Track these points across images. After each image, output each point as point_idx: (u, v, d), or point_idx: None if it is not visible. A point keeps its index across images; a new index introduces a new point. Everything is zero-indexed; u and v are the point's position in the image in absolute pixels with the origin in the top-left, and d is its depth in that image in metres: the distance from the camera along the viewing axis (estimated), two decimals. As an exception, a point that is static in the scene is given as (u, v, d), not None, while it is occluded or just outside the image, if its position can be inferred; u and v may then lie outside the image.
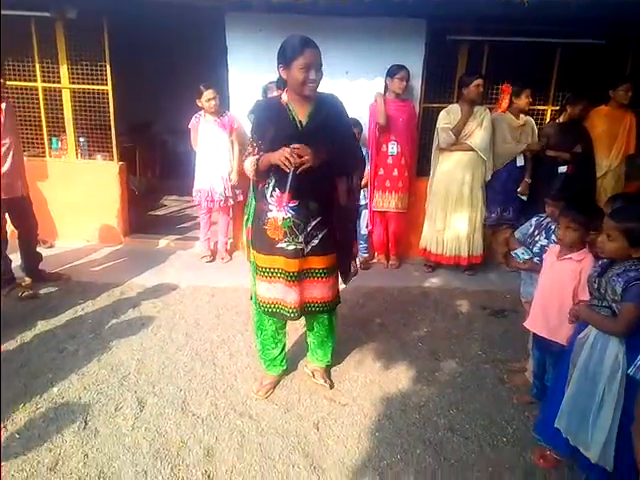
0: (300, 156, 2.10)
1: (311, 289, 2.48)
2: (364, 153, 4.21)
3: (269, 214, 2.36)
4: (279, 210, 2.32)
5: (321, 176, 2.28)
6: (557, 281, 2.20)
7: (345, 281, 2.66)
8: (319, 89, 2.28)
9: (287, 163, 2.09)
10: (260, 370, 2.81)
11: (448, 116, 4.14)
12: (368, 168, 4.22)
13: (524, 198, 4.36)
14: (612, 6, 3.63)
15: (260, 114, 2.37)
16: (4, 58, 4.38)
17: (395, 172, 4.32)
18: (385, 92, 4.28)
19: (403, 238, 4.64)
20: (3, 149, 3.49)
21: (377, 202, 4.38)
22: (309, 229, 2.35)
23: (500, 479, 2.15)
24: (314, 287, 2.47)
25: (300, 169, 2.11)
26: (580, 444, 1.96)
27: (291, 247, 2.36)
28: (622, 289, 1.79)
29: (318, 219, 2.36)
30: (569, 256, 2.21)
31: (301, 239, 2.35)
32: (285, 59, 2.18)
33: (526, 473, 2.18)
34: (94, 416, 2.46)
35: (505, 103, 4.25)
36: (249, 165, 2.33)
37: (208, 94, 4.19)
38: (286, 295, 2.44)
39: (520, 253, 2.61)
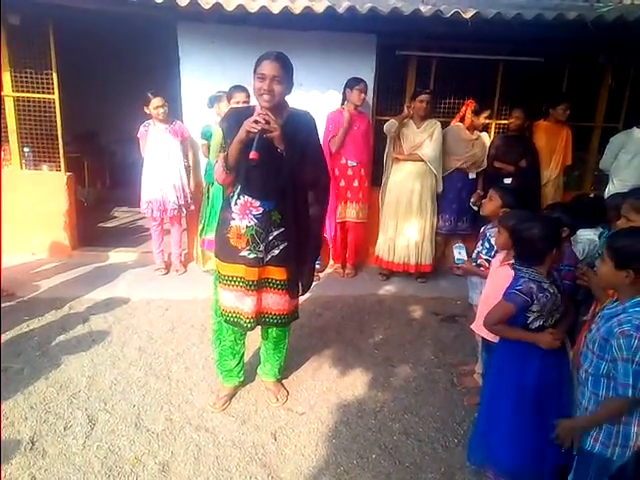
0: (268, 122, 2.14)
1: (268, 300, 2.49)
2: None
3: (232, 222, 2.39)
4: (242, 218, 2.36)
5: (285, 187, 2.32)
6: (498, 286, 2.31)
7: (292, 295, 2.57)
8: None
9: (254, 125, 2.12)
10: (217, 382, 2.79)
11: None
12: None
13: (476, 208, 4.52)
14: (549, 26, 3.88)
15: (232, 120, 2.35)
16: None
17: (355, 183, 4.40)
18: (343, 103, 4.36)
19: (361, 247, 4.72)
20: None
21: (340, 213, 4.44)
22: (270, 238, 2.39)
23: (452, 479, 2.23)
24: (271, 298, 2.49)
25: (267, 134, 2.13)
26: None
27: (252, 255, 2.39)
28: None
29: (281, 230, 2.39)
30: (508, 262, 2.32)
31: (262, 247, 2.38)
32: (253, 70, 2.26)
33: (476, 472, 2.25)
34: (42, 436, 2.37)
35: (468, 117, 4.42)
36: (219, 167, 2.34)
37: (156, 102, 4.14)
38: (244, 304, 2.45)
39: (457, 253, 2.82)
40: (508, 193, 2.69)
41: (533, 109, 4.57)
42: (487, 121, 4.47)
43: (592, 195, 3.50)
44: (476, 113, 4.38)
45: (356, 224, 4.52)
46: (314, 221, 2.52)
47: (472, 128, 4.46)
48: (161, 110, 4.17)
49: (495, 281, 2.37)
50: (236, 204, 2.37)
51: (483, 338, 2.53)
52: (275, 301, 2.49)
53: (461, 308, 3.94)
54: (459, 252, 2.85)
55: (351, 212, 4.46)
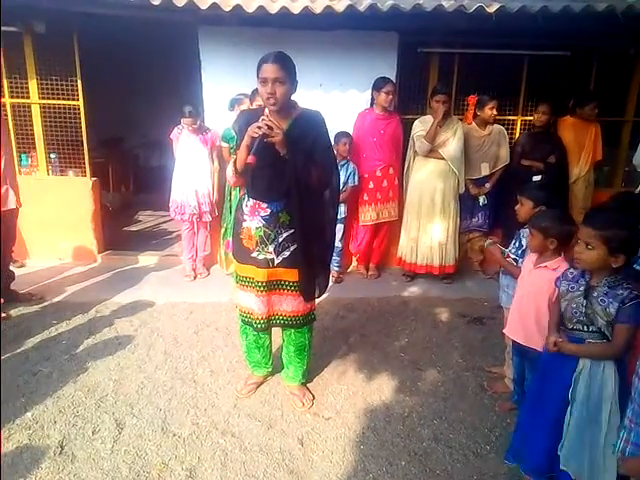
0: (271, 128, 2.16)
1: (280, 302, 2.51)
2: (350, 170, 4.23)
3: (244, 224, 2.44)
4: (252, 219, 2.40)
5: (291, 189, 2.30)
6: (533, 289, 2.23)
7: (306, 298, 2.52)
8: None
9: (257, 130, 2.16)
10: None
11: (422, 125, 4.20)
12: (350, 184, 4.26)
13: (481, 200, 4.41)
14: (576, 19, 3.77)
15: (242, 122, 2.39)
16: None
17: (385, 183, 4.36)
18: (372, 105, 4.30)
19: (387, 247, 4.67)
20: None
21: (371, 215, 4.39)
22: (280, 240, 2.40)
23: (485, 487, 2.17)
24: (283, 300, 2.51)
25: (268, 139, 2.16)
26: None
27: (261, 257, 2.42)
28: (616, 310, 1.73)
29: (290, 231, 2.39)
30: (544, 264, 2.24)
31: (271, 249, 2.40)
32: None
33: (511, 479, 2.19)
34: (70, 440, 2.38)
35: (470, 114, 4.34)
36: (230, 169, 2.40)
37: (187, 121, 4.21)
38: (255, 305, 2.50)
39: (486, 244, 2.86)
40: (535, 191, 2.61)
41: (560, 104, 4.44)
42: (494, 112, 4.28)
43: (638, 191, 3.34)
44: (480, 107, 4.26)
45: (388, 223, 4.49)
46: (326, 222, 2.51)
47: (482, 122, 4.34)
48: (190, 128, 4.25)
49: (531, 283, 2.28)
50: (247, 205, 2.42)
51: (514, 342, 2.46)
52: (288, 303, 2.51)
53: (488, 309, 3.85)
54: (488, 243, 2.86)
55: (384, 212, 4.42)
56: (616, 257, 1.74)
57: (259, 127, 2.15)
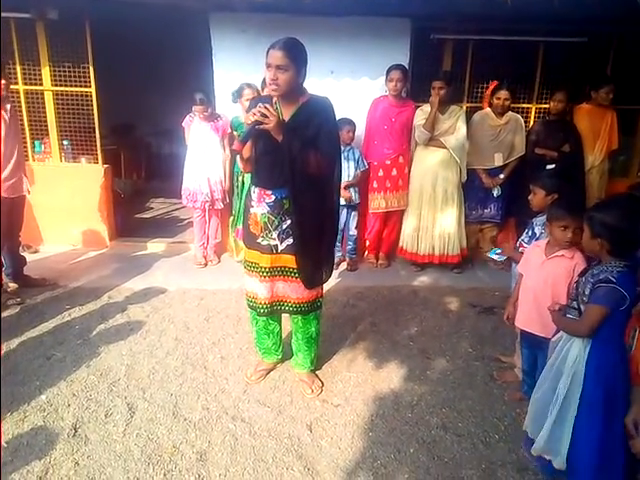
0: (265, 115, 2.18)
1: (284, 288, 2.52)
2: (357, 155, 4.21)
3: (251, 210, 2.47)
4: (258, 205, 2.43)
5: (290, 175, 2.29)
6: (551, 279, 2.20)
7: (306, 285, 2.50)
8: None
9: (251, 117, 2.20)
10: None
11: (423, 114, 4.13)
12: (360, 169, 4.24)
13: (495, 191, 4.36)
14: (593, 4, 3.67)
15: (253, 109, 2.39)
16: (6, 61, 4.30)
17: (394, 172, 4.30)
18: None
19: (397, 237, 4.64)
20: (4, 149, 3.47)
21: (380, 203, 4.35)
22: (284, 227, 2.41)
23: (493, 475, 2.17)
24: (288, 286, 2.52)
25: (260, 126, 2.20)
26: (542, 451, 1.99)
27: (265, 242, 2.45)
28: (590, 290, 1.82)
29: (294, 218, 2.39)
30: (561, 253, 2.21)
31: (274, 235, 2.42)
32: None
33: (519, 469, 2.19)
34: (84, 423, 2.43)
35: (487, 99, 4.28)
36: (239, 158, 2.44)
37: (198, 109, 4.20)
38: (258, 290, 2.53)
39: (496, 257, 2.84)
40: (547, 180, 2.59)
41: (576, 92, 4.36)
42: (502, 102, 4.18)
43: None
44: (493, 92, 4.18)
45: (397, 212, 4.44)
46: (327, 210, 2.48)
47: (498, 110, 4.26)
48: (201, 115, 4.24)
49: (548, 273, 2.25)
50: (254, 192, 2.45)
51: (524, 333, 2.44)
52: (293, 289, 2.51)
53: (499, 299, 3.82)
54: (497, 255, 2.84)
55: (393, 201, 4.36)
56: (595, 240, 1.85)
57: (253, 114, 2.18)
